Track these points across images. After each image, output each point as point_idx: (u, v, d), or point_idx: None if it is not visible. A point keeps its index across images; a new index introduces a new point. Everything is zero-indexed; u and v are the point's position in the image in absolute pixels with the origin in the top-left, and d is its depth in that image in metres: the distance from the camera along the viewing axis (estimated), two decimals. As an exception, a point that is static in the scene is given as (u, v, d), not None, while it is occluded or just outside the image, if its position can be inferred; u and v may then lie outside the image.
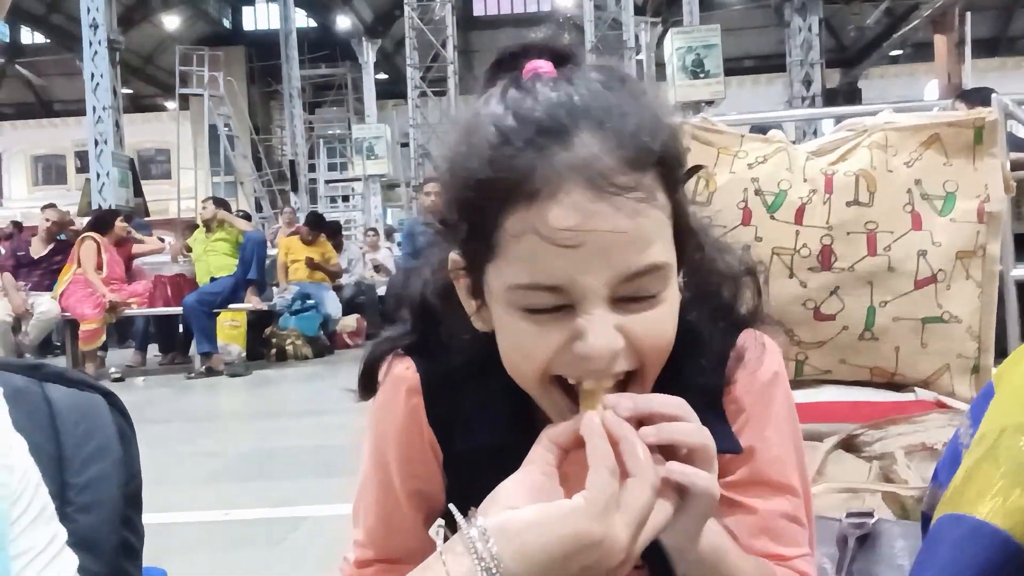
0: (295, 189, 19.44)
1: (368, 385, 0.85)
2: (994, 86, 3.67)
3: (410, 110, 18.61)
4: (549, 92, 0.67)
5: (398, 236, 12.02)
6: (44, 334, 7.07)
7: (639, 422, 0.65)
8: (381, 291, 8.93)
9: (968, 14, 14.87)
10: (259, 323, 7.77)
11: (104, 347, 7.32)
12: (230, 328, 7.14)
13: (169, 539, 2.86)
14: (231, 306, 7.22)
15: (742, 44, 23.62)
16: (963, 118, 1.58)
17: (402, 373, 0.83)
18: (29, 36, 26.71)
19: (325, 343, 8.13)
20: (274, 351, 7.82)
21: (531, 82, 0.69)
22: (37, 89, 28.84)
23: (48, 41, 25.60)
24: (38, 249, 7.50)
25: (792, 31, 14.50)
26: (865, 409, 1.50)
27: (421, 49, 18.41)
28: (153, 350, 8.14)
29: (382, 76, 24.61)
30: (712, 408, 0.77)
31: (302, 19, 24.03)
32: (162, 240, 8.88)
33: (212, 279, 7.49)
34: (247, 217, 9.41)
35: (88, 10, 12.13)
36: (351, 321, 8.37)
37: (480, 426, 0.78)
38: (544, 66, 0.71)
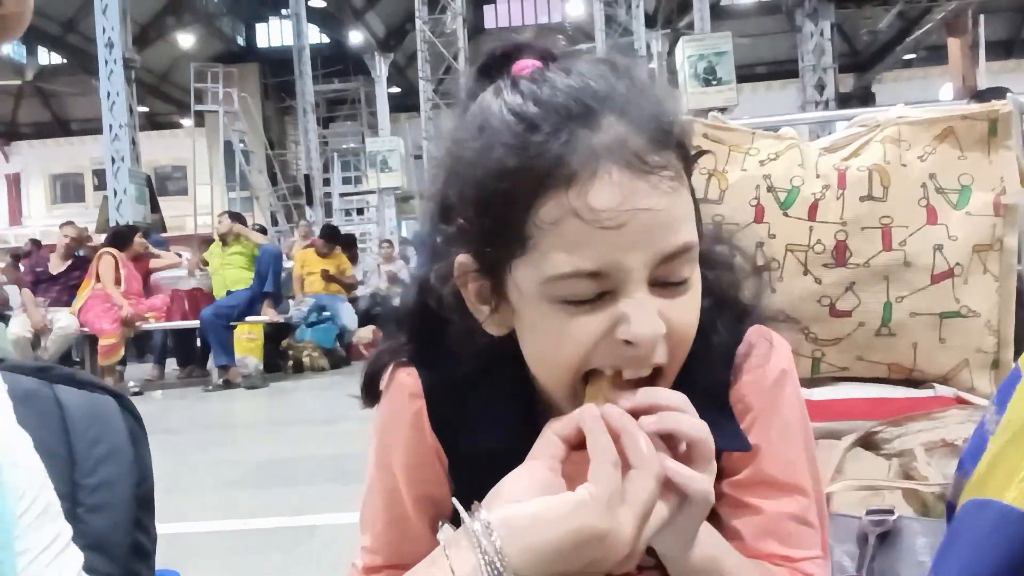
0: (310, 203, 19.52)
1: (371, 393, 0.84)
2: (1009, 88, 3.64)
3: (423, 122, 18.66)
4: (563, 78, 0.67)
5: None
6: (63, 349, 7.12)
7: (639, 416, 0.65)
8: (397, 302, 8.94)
9: (982, 16, 14.78)
10: (276, 335, 7.80)
11: (123, 361, 7.36)
12: (247, 341, 7.17)
13: (187, 547, 2.87)
14: (248, 319, 7.25)
15: (754, 50, 23.54)
16: (977, 111, 1.56)
17: (404, 380, 0.82)
18: (46, 57, 27.00)
19: (342, 354, 8.15)
20: (291, 363, 7.85)
21: (538, 73, 0.68)
22: (54, 108, 29.15)
23: (65, 61, 25.88)
24: (56, 265, 7.56)
25: (804, 36, 14.44)
26: (883, 406, 1.48)
27: (433, 62, 18.48)
28: (171, 364, 8.20)
29: (395, 89, 24.71)
30: (719, 406, 0.76)
31: (315, 35, 24.19)
32: (179, 255, 8.93)
33: (229, 292, 7.53)
34: (263, 231, 9.46)
35: (103, 30, 12.24)
36: (367, 332, 8.38)
37: (484, 430, 0.77)
38: (533, 64, 0.71)
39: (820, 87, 14.13)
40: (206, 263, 8.05)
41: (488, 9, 22.87)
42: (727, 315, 0.77)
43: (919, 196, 1.52)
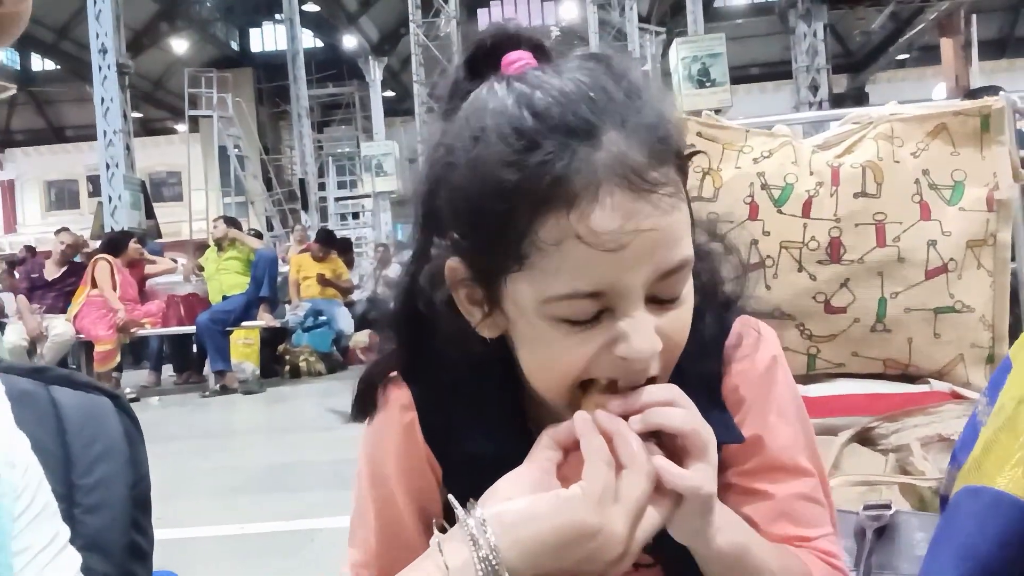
0: (305, 207, 19.49)
1: (365, 408, 0.82)
2: (1002, 86, 3.65)
3: (418, 126, 18.64)
4: (560, 85, 0.64)
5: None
6: (60, 356, 7.10)
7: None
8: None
9: (974, 16, 14.83)
10: (272, 340, 7.79)
11: (119, 368, 7.35)
12: (243, 346, 7.16)
13: (186, 553, 2.86)
14: (244, 324, 7.24)
15: (748, 52, 23.61)
16: (969, 107, 1.57)
17: (395, 392, 0.81)
18: (40, 63, 26.97)
19: (338, 359, 8.14)
20: (288, 368, 7.84)
21: (532, 76, 0.66)
22: (48, 115, 29.11)
23: (58, 68, 25.85)
24: (52, 271, 7.55)
25: (797, 37, 14.46)
26: (879, 402, 1.48)
27: (427, 66, 18.47)
28: (168, 370, 8.18)
29: (389, 94, 24.71)
30: (711, 399, 0.76)
31: (309, 40, 24.18)
32: (174, 260, 8.92)
33: (225, 298, 7.52)
34: (258, 236, 9.45)
35: (97, 36, 12.23)
36: (364, 336, 8.36)
37: (476, 437, 0.76)
38: (524, 56, 0.69)
39: (814, 88, 14.15)
40: (201, 268, 8.04)
41: (482, 12, 22.87)
42: (713, 306, 0.77)
43: (912, 192, 1.52)
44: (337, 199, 21.73)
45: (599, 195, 0.61)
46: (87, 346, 7.09)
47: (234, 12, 25.49)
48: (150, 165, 23.17)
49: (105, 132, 12.23)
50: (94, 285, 7.10)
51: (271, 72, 24.34)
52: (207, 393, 7.09)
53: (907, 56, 23.36)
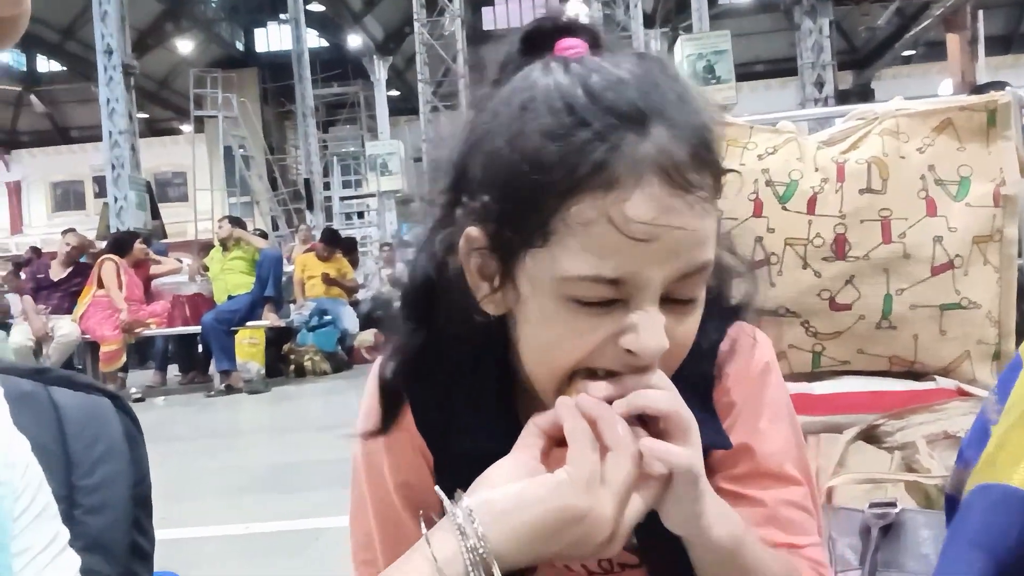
0: (311, 207, 19.52)
1: (392, 412, 0.80)
2: (1009, 82, 3.63)
3: (422, 125, 18.66)
4: (617, 72, 0.64)
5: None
6: (65, 356, 7.12)
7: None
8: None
9: (980, 11, 14.77)
10: (277, 340, 7.80)
11: (125, 368, 7.37)
12: (249, 346, 7.17)
13: (192, 553, 2.87)
14: (249, 324, 7.25)
15: (753, 49, 23.56)
16: (975, 102, 1.55)
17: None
18: (45, 64, 27.04)
19: (343, 358, 8.15)
20: (293, 367, 7.85)
21: (589, 60, 0.66)
22: (54, 116, 29.19)
23: (64, 69, 25.92)
24: (57, 272, 7.57)
25: (803, 34, 14.43)
26: (885, 399, 1.47)
27: (432, 64, 18.48)
28: (173, 370, 8.20)
29: (394, 93, 24.72)
30: (702, 403, 0.75)
31: (314, 39, 24.20)
32: (179, 260, 8.94)
33: (230, 297, 7.53)
34: (263, 236, 9.46)
35: (102, 36, 12.26)
36: (369, 336, 8.38)
37: (468, 432, 0.76)
38: (580, 45, 0.68)
39: (819, 84, 14.12)
40: (206, 268, 8.06)
41: (487, 11, 22.86)
42: (714, 314, 0.76)
43: (918, 188, 1.51)
44: (342, 198, 21.74)
45: (639, 183, 0.61)
46: (93, 346, 7.11)
47: (239, 12, 25.54)
48: (155, 165, 23.22)
49: (110, 133, 12.27)
50: (100, 285, 7.12)
51: (276, 72, 24.39)
52: (212, 393, 7.10)
53: (913, 52, 23.30)
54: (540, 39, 0.70)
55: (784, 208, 1.53)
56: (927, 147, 1.54)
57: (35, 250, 12.03)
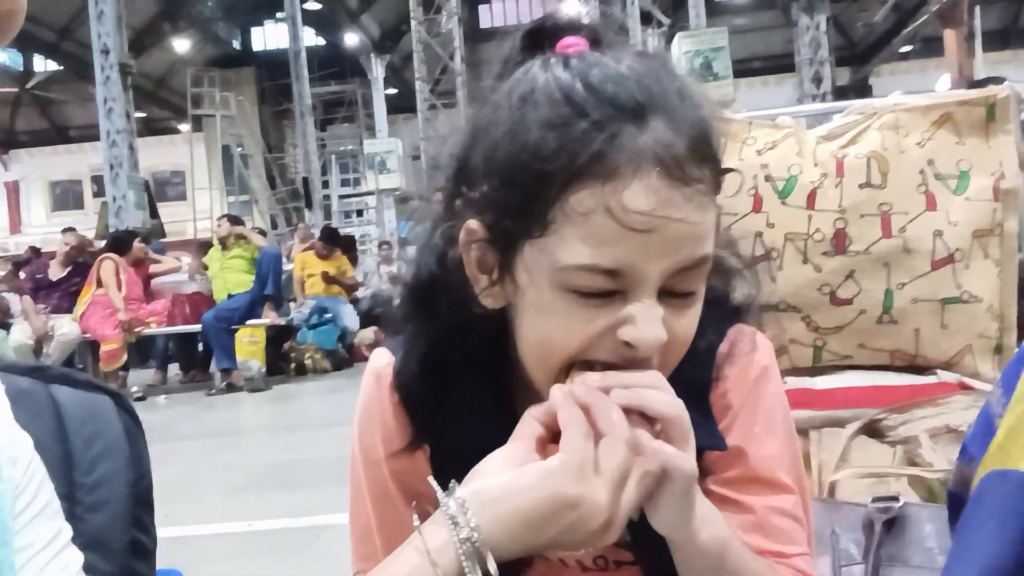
0: (309, 205, 19.51)
1: (422, 427, 0.79)
2: (1006, 77, 3.63)
3: (420, 123, 18.65)
4: (617, 66, 0.65)
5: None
6: (66, 355, 7.13)
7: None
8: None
9: (977, 7, 14.76)
10: (278, 338, 7.80)
11: (125, 367, 7.37)
12: (249, 344, 7.17)
13: (193, 551, 2.87)
14: (249, 322, 7.25)
15: (750, 45, 23.55)
16: (975, 96, 1.55)
17: (382, 369, 0.81)
18: (42, 64, 27.00)
19: (344, 356, 8.16)
20: (293, 365, 7.85)
21: (590, 56, 0.67)
22: (52, 116, 29.16)
23: (61, 68, 25.89)
24: (56, 272, 7.57)
25: (800, 30, 14.43)
26: (887, 393, 1.47)
27: (429, 63, 18.46)
28: (174, 369, 8.21)
29: (392, 91, 24.68)
30: (698, 404, 0.75)
31: (311, 38, 24.15)
32: (178, 259, 8.94)
33: (229, 296, 7.53)
34: (263, 234, 9.46)
35: (99, 36, 12.25)
36: (369, 334, 8.38)
37: (468, 423, 0.76)
38: (581, 43, 0.69)
39: (817, 81, 14.12)
40: (206, 267, 8.06)
41: (483, 9, 22.86)
42: (715, 315, 0.76)
43: (918, 182, 1.51)
44: (341, 197, 21.74)
45: (636, 174, 0.62)
46: (93, 345, 7.11)
47: (236, 11, 25.47)
48: (154, 165, 23.18)
49: (108, 132, 12.26)
50: (99, 285, 7.11)
51: (273, 70, 24.35)
52: (213, 391, 7.10)
53: (910, 48, 23.26)
54: (542, 37, 0.71)
55: (784, 203, 1.53)
56: (926, 141, 1.54)
57: (34, 250, 12.01)
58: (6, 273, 10.45)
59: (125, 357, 7.21)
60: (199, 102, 16.58)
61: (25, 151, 29.26)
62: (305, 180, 19.93)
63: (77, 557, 0.63)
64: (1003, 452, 0.63)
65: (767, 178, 1.55)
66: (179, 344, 8.07)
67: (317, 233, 9.69)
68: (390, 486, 0.82)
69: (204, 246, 8.63)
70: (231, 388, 7.05)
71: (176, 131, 27.14)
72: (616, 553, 0.80)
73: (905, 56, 24.49)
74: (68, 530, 0.64)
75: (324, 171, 21.86)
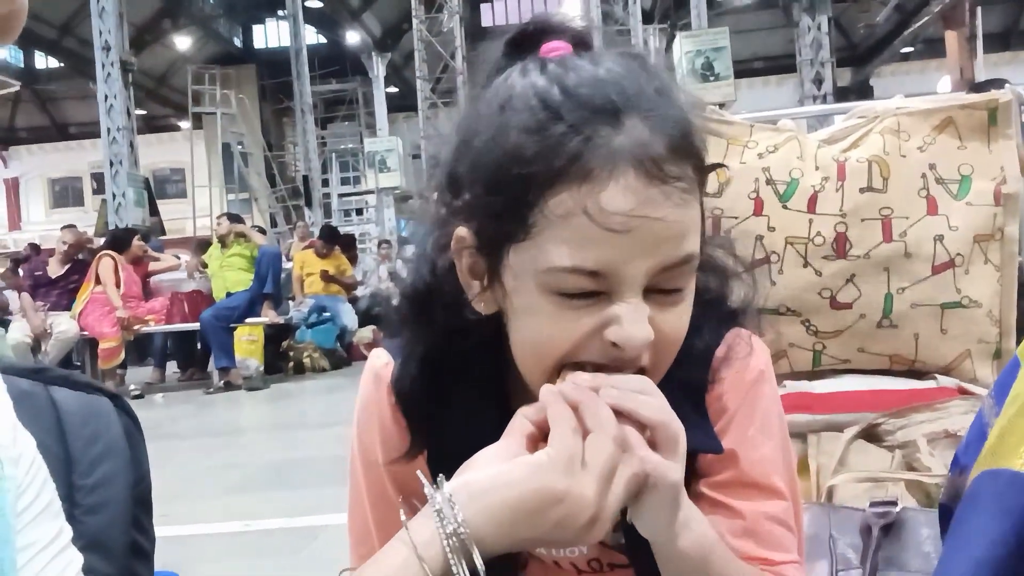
0: (309, 204, 19.51)
1: (419, 434, 0.79)
2: (1008, 79, 3.63)
3: (421, 122, 18.65)
4: (594, 69, 0.66)
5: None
6: (64, 353, 7.12)
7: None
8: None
9: (979, 8, 14.77)
10: (276, 337, 7.79)
11: (123, 365, 7.37)
12: (247, 342, 7.17)
13: (191, 550, 2.87)
14: (248, 320, 7.25)
15: (751, 45, 23.55)
16: (976, 100, 1.55)
17: (381, 369, 0.81)
18: (43, 61, 26.99)
19: (342, 355, 8.16)
20: (292, 364, 7.85)
21: (568, 60, 0.67)
22: (52, 113, 29.14)
23: (61, 65, 25.88)
24: (55, 269, 7.56)
25: (801, 30, 14.43)
26: (885, 397, 1.47)
27: (430, 61, 18.46)
28: (172, 367, 8.20)
29: (392, 89, 24.67)
30: (694, 406, 0.75)
31: (312, 36, 24.15)
32: (177, 257, 8.93)
33: (228, 294, 7.52)
34: (262, 232, 9.46)
35: (100, 33, 12.25)
36: (368, 333, 8.38)
37: (465, 426, 0.76)
38: (563, 46, 0.70)
39: (818, 81, 14.12)
40: (205, 265, 8.05)
41: (485, 7, 22.83)
42: (712, 317, 0.77)
43: (919, 187, 1.51)
44: (341, 195, 21.74)
45: (613, 175, 0.62)
46: (92, 343, 7.10)
47: (237, 9, 25.47)
48: (154, 162, 23.21)
49: (109, 129, 12.25)
50: (98, 282, 7.11)
51: (274, 68, 24.34)
52: (211, 390, 7.09)
53: (911, 49, 23.28)
54: (525, 42, 0.72)
55: (785, 207, 1.53)
56: (928, 145, 1.54)
57: (34, 247, 12.02)
58: (5, 270, 10.47)
59: (123, 355, 7.21)
60: (199, 100, 16.57)
61: (25, 148, 29.25)
62: (305, 178, 19.92)
63: (77, 558, 0.63)
64: (994, 455, 0.63)
65: (768, 181, 1.55)
66: (177, 342, 8.06)
67: (317, 232, 9.69)
68: (388, 487, 0.82)
69: (203, 244, 8.63)
70: (229, 387, 7.05)
71: (176, 128, 27.14)
72: (610, 555, 0.81)
73: (906, 57, 24.50)
74: (69, 531, 0.64)
75: (324, 169, 21.86)
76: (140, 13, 20.95)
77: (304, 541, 2.91)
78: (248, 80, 24.27)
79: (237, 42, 27.62)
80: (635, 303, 0.64)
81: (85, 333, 7.04)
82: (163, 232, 13.38)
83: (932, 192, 1.51)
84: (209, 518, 3.34)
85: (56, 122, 29.34)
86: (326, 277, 8.36)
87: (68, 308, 7.23)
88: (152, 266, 8.05)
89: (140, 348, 8.70)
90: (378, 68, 22.67)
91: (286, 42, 21.52)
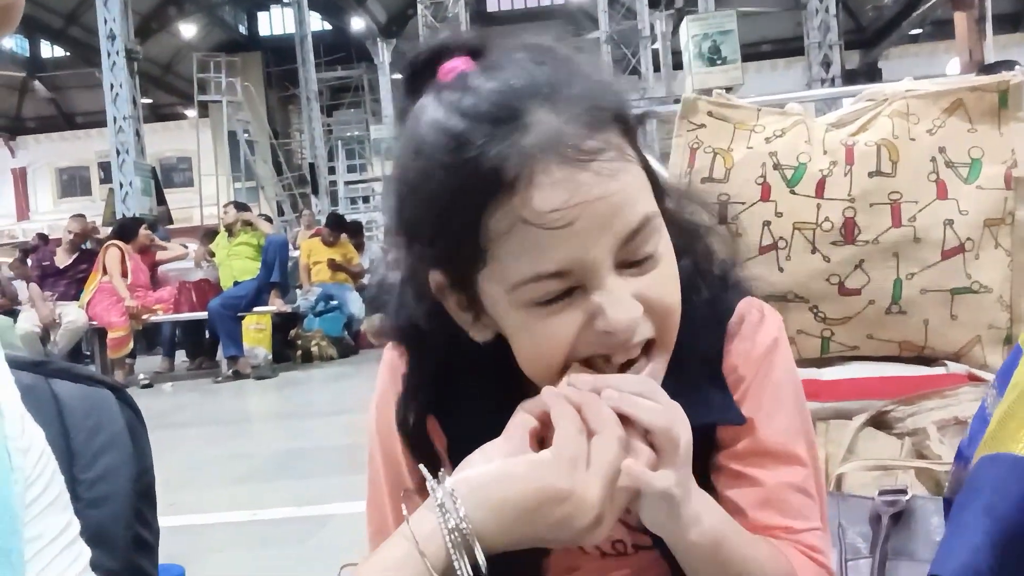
0: (315, 192, 19.51)
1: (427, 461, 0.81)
2: (1018, 60, 3.59)
3: (427, 109, 18.58)
4: (484, 83, 0.65)
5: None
6: (73, 343, 7.15)
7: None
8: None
9: (988, -11, 14.63)
10: (284, 325, 7.81)
11: (132, 354, 7.39)
12: (255, 331, 7.19)
13: (198, 540, 2.88)
14: (256, 309, 7.26)
15: (758, 28, 23.38)
16: (987, 82, 1.53)
17: (397, 360, 0.82)
18: (49, 50, 26.99)
19: (350, 343, 8.16)
20: (299, 353, 7.87)
21: (460, 80, 0.67)
22: (59, 102, 29.17)
23: (67, 54, 25.88)
24: (63, 259, 7.59)
25: (809, 13, 14.34)
26: (895, 384, 1.46)
27: (436, 47, 18.39)
28: (181, 356, 8.23)
29: (398, 76, 24.62)
30: (712, 378, 0.75)
31: (317, 23, 24.11)
32: (185, 246, 8.94)
33: (236, 283, 7.53)
34: (269, 220, 9.46)
35: (105, 21, 12.22)
36: (375, 320, 8.37)
37: (478, 429, 0.74)
38: (461, 63, 0.69)
39: (826, 64, 14.03)
40: (212, 254, 8.06)
41: (490, -7, 22.72)
42: (709, 279, 0.77)
43: (928, 170, 1.49)
44: (347, 183, 21.73)
45: (535, 175, 0.62)
46: (100, 333, 7.12)
47: (241, -4, 25.43)
48: (160, 151, 23.22)
49: (115, 118, 12.25)
50: (105, 272, 7.12)
51: (280, 56, 24.31)
52: (219, 379, 7.11)
53: (920, 31, 23.11)
54: (423, 73, 0.71)
55: (792, 192, 1.51)
56: (937, 129, 1.52)
57: (42, 237, 12.06)
58: (13, 260, 10.50)
59: (132, 344, 7.23)
60: (205, 88, 16.54)
61: (32, 137, 29.29)
62: (311, 166, 19.92)
63: (86, 552, 0.63)
64: (994, 439, 0.63)
65: (776, 166, 1.53)
66: (186, 331, 8.09)
67: (323, 220, 9.68)
68: (407, 478, 0.81)
69: (210, 233, 8.63)
70: (237, 375, 7.07)
71: (182, 117, 27.13)
72: (635, 537, 0.80)
73: (915, 39, 24.33)
74: (76, 524, 0.64)
75: (330, 157, 21.85)
76: (145, 1, 20.95)
77: (312, 530, 2.91)
78: (253, 68, 24.25)
79: (242, 29, 27.59)
80: (610, 286, 0.64)
81: (94, 323, 7.06)
82: (170, 221, 13.39)
83: (942, 176, 1.49)
84: (216, 507, 3.35)
85: (63, 111, 29.37)
86: (333, 265, 8.36)
87: (76, 298, 7.25)
88: (159, 255, 8.07)
89: (149, 337, 8.73)
90: (383, 55, 22.61)
91: (291, 29, 21.48)
